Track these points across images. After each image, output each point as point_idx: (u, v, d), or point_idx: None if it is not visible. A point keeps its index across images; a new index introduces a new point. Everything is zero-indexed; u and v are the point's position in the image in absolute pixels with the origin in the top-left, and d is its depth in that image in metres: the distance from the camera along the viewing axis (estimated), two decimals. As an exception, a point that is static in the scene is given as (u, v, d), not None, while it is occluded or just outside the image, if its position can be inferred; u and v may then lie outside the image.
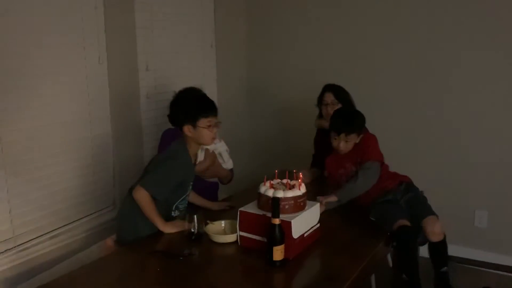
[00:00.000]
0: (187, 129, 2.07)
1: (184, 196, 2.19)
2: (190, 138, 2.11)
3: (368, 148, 2.38)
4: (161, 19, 3.05)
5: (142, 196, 2.02)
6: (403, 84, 3.29)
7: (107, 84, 2.69)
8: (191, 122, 2.06)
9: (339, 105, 2.79)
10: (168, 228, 2.05)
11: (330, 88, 2.87)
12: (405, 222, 2.13)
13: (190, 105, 2.11)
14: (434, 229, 2.14)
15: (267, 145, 3.88)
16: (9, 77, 2.19)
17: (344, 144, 2.40)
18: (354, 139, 2.41)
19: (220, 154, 2.64)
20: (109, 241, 2.18)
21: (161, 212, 2.08)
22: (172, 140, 2.56)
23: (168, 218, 2.13)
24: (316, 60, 3.59)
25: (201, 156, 2.53)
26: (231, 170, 2.74)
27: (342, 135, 2.39)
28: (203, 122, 2.06)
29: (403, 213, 2.20)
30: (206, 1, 3.46)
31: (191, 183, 2.22)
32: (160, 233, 2.06)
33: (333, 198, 2.28)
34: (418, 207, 2.26)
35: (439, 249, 2.19)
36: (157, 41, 3.04)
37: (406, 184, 2.38)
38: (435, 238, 2.15)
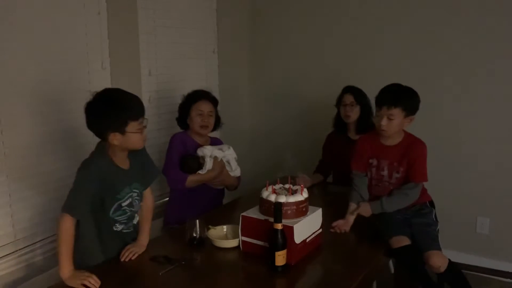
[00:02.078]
0: (114, 138, 1.76)
1: (115, 206, 1.87)
2: (116, 146, 1.80)
3: (420, 168, 2.14)
4: (164, 25, 3.06)
5: (60, 222, 1.75)
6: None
7: (110, 89, 2.69)
8: (118, 129, 1.74)
9: (358, 107, 2.86)
10: (67, 278, 1.69)
11: (350, 89, 2.92)
12: (403, 239, 2.07)
13: (117, 110, 1.75)
14: (431, 263, 2.02)
15: (270, 150, 3.88)
16: (12, 83, 2.19)
17: (387, 121, 2.09)
18: (398, 116, 2.08)
19: (228, 162, 2.64)
20: None
21: (103, 229, 1.88)
22: (181, 144, 2.59)
23: (112, 233, 1.91)
24: (317, 64, 3.60)
25: (209, 165, 2.53)
26: (238, 177, 2.75)
27: (384, 109, 2.08)
28: (133, 126, 1.76)
29: (404, 229, 2.14)
30: (208, 7, 3.48)
31: (130, 192, 1.91)
32: (161, 238, 2.05)
33: (368, 212, 2.17)
34: (423, 236, 2.12)
35: (449, 278, 2.07)
36: (160, 46, 3.05)
37: (420, 205, 2.26)
38: (436, 270, 2.04)
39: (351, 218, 2.19)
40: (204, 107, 2.61)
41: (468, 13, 3.02)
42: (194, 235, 1.98)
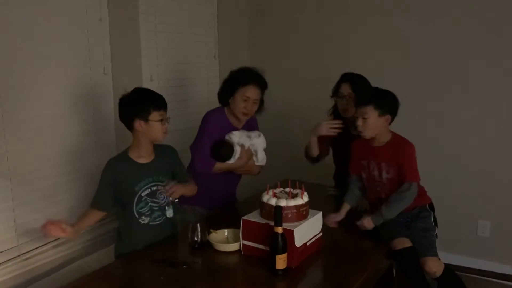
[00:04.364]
0: (139, 124, 2.00)
1: (137, 197, 2.04)
2: (140, 135, 2.03)
3: (410, 167, 2.15)
4: (165, 30, 3.09)
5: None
6: (405, 92, 3.28)
7: (112, 95, 2.72)
8: (143, 116, 2.00)
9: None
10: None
11: (348, 78, 2.57)
12: (404, 241, 2.09)
13: (142, 100, 2.04)
14: (426, 269, 2.07)
15: (271, 154, 3.88)
16: (15, 88, 2.22)
17: (362, 122, 2.15)
18: (372, 115, 2.13)
19: (255, 151, 2.54)
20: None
21: (131, 223, 2.05)
22: (216, 127, 2.46)
23: (140, 227, 2.06)
24: (318, 70, 3.62)
25: (238, 154, 2.45)
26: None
27: (358, 110, 2.16)
28: (155, 115, 2.01)
29: (405, 231, 2.16)
30: (209, 13, 3.51)
31: (149, 184, 2.07)
32: (162, 242, 2.06)
33: (370, 223, 2.15)
34: (420, 241, 2.13)
35: (446, 283, 2.11)
36: (161, 52, 3.07)
37: (419, 208, 2.25)
38: (432, 275, 2.08)
39: (343, 213, 2.27)
40: (252, 93, 2.43)
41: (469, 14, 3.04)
42: (196, 239, 2.00)
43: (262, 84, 2.49)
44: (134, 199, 2.04)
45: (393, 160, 2.18)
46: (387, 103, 2.19)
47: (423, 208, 2.27)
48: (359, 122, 2.16)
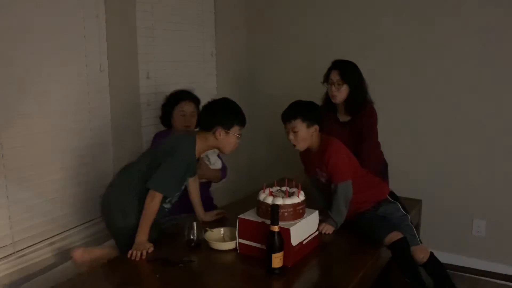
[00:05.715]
0: (219, 133, 2.09)
1: (182, 188, 2.18)
2: (213, 140, 2.11)
3: (335, 170, 2.20)
4: (162, 28, 3.08)
5: (150, 198, 1.99)
6: (403, 89, 3.30)
7: (108, 92, 2.71)
8: (226, 126, 2.09)
9: (345, 86, 2.59)
10: (139, 242, 1.96)
11: (337, 65, 2.64)
12: (396, 234, 2.12)
13: (231, 111, 2.14)
14: (416, 258, 2.17)
15: (267, 153, 3.89)
16: (10, 85, 2.20)
17: (293, 135, 2.23)
18: (301, 127, 2.21)
19: (206, 156, 2.65)
20: (78, 254, 2.07)
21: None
22: (163, 135, 2.58)
23: (159, 209, 2.07)
24: (316, 68, 3.60)
25: None
26: (223, 168, 2.73)
27: (287, 125, 2.24)
28: (236, 130, 2.12)
29: (391, 224, 2.19)
30: (207, 10, 3.50)
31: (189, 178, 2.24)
32: (158, 240, 2.06)
33: (330, 229, 2.19)
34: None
35: (428, 269, 2.21)
36: (158, 49, 3.06)
37: (384, 206, 2.27)
38: (420, 261, 2.19)
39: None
40: (187, 108, 2.68)
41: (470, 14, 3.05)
42: (192, 237, 2.00)
43: (194, 98, 2.75)
44: (180, 188, 2.14)
45: (323, 166, 2.24)
46: (313, 113, 2.26)
47: (385, 202, 2.28)
48: (291, 137, 2.24)
